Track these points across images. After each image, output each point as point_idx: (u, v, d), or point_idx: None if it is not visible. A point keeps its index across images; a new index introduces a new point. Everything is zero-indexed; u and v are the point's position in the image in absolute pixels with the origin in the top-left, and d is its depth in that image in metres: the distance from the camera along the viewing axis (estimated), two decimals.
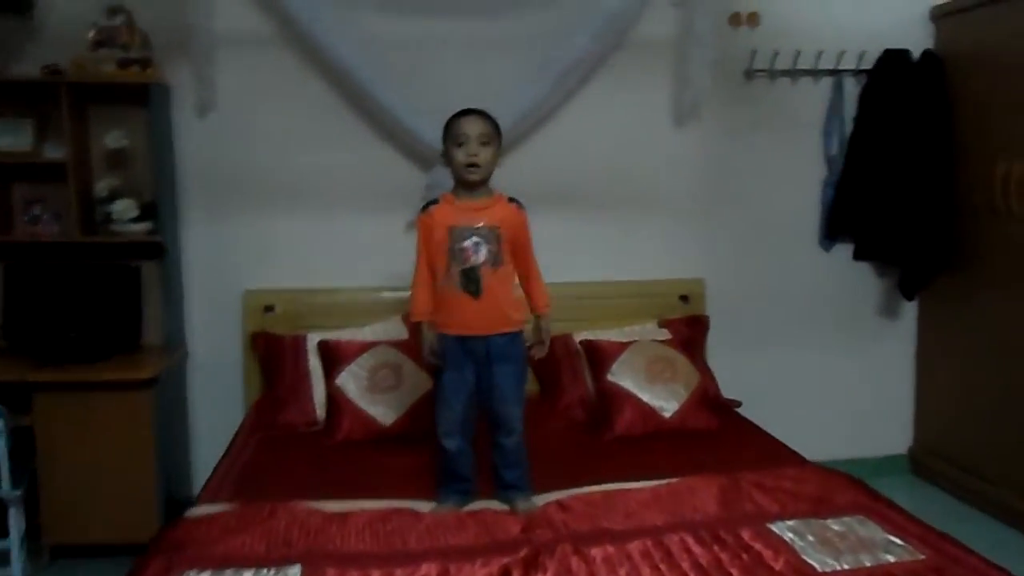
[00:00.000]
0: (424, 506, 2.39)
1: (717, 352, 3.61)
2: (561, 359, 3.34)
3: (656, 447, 2.91)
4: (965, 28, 3.59)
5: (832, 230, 3.76)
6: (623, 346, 3.25)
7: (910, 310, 3.93)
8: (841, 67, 3.67)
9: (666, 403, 3.08)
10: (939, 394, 3.84)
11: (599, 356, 3.24)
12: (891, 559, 2.01)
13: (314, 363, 3.22)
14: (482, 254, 2.35)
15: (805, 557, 2.00)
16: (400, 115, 3.29)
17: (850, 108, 3.73)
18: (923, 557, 2.02)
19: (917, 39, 3.70)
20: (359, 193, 3.47)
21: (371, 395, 3.03)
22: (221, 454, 2.90)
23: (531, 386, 2.94)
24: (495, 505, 2.41)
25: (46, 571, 3.04)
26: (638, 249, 3.68)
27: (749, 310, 3.78)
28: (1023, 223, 3.27)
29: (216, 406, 3.47)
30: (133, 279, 3.28)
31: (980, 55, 3.50)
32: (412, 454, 2.79)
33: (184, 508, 2.48)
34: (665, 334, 3.44)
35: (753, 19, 3.59)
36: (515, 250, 2.44)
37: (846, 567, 1.97)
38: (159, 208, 3.20)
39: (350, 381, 3.07)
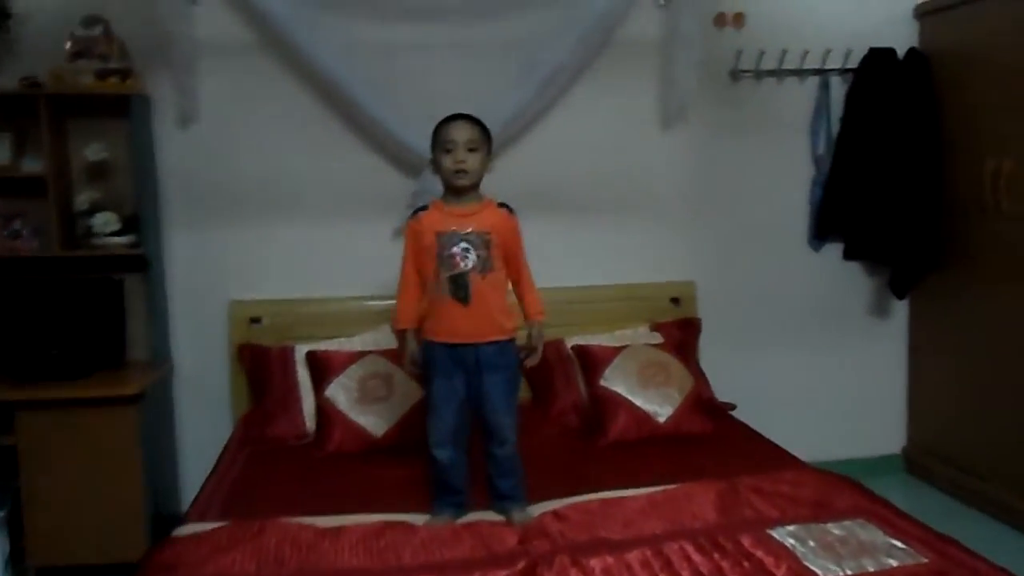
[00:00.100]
0: (418, 519, 2.35)
1: (709, 354, 3.59)
2: (553, 365, 3.31)
3: (651, 453, 2.88)
4: (949, 25, 3.59)
5: (821, 230, 3.75)
6: (615, 351, 3.22)
7: (901, 309, 3.93)
8: (827, 66, 3.66)
9: (660, 408, 3.06)
10: (932, 392, 3.84)
11: (591, 361, 3.21)
12: (894, 563, 1.98)
13: (303, 375, 3.17)
14: (470, 260, 2.33)
15: (807, 563, 1.97)
16: (385, 122, 3.26)
17: (837, 107, 3.72)
18: (926, 561, 2.00)
19: (902, 37, 3.70)
20: (345, 201, 3.43)
21: (361, 406, 2.99)
22: (209, 469, 2.85)
23: (523, 392, 2.91)
24: (490, 516, 2.37)
25: None
26: (628, 252, 3.66)
27: (740, 312, 3.77)
28: (1013, 220, 3.27)
29: (203, 421, 3.41)
30: (116, 293, 3.22)
31: (965, 52, 3.51)
32: (405, 465, 2.75)
33: (173, 525, 2.43)
34: (657, 338, 3.41)
35: (738, 19, 3.58)
36: (507, 256, 2.42)
37: (849, 573, 1.94)
38: (141, 220, 3.14)
39: (340, 392, 3.02)
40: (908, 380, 3.97)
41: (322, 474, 2.75)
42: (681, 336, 3.47)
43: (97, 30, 3.03)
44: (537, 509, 2.38)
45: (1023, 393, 3.26)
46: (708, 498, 2.36)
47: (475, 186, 2.39)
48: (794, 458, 2.83)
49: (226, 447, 3.04)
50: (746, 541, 2.09)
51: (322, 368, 3.10)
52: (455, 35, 3.33)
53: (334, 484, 2.65)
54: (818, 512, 2.28)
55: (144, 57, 3.17)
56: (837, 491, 2.43)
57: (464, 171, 2.32)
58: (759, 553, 2.03)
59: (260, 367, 3.23)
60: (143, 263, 3.18)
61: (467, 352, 2.37)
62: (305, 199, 3.41)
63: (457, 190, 2.36)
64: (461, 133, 2.33)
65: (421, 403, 2.91)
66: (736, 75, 3.62)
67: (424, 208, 2.42)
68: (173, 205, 3.34)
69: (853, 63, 3.67)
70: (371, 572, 2.01)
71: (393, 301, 2.51)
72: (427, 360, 2.43)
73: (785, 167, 3.74)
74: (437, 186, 2.52)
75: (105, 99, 3.08)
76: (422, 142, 3.07)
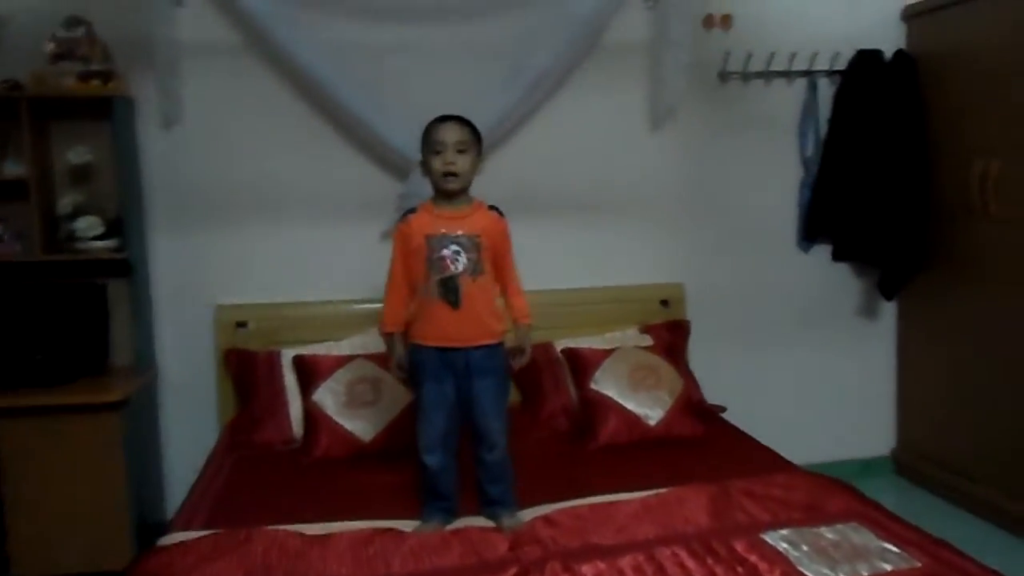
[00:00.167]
0: (407, 525, 2.32)
1: (698, 357, 3.58)
2: (543, 368, 3.29)
3: (642, 456, 2.87)
4: (937, 27, 3.59)
5: (810, 232, 3.75)
6: (605, 353, 3.20)
7: (889, 310, 3.93)
8: (815, 68, 3.66)
9: (651, 411, 3.04)
10: (921, 394, 3.84)
11: (581, 364, 3.19)
12: (888, 567, 1.98)
13: (289, 379, 3.14)
14: (461, 263, 2.30)
15: (801, 568, 1.96)
16: (372, 124, 3.23)
17: (825, 109, 3.72)
18: (920, 565, 1.99)
19: (889, 39, 3.71)
20: (332, 204, 3.39)
21: (349, 411, 2.96)
22: (195, 476, 2.82)
23: (513, 396, 2.89)
24: (480, 522, 2.35)
25: None
26: (616, 254, 3.64)
27: (729, 314, 3.76)
28: (1000, 222, 3.27)
29: (189, 427, 3.37)
30: (99, 298, 3.18)
31: (953, 54, 3.51)
32: (393, 471, 2.72)
33: (158, 533, 2.41)
34: (647, 340, 3.40)
35: (726, 21, 3.57)
36: (495, 259, 2.39)
37: None
38: (125, 224, 3.09)
39: (327, 397, 2.99)
40: (897, 382, 3.97)
41: (309, 480, 2.72)
42: (671, 338, 3.46)
43: (79, 31, 2.98)
44: (527, 514, 2.36)
45: (1012, 394, 3.27)
46: (700, 502, 2.35)
47: (465, 188, 2.36)
48: (785, 461, 2.82)
49: (212, 453, 3.01)
50: (739, 546, 2.07)
51: (309, 372, 3.07)
52: (442, 37, 3.30)
53: (322, 490, 2.62)
54: (811, 515, 2.27)
55: (127, 59, 3.12)
56: (829, 494, 2.42)
57: (454, 173, 2.30)
58: (753, 558, 2.02)
59: (246, 372, 3.19)
60: (127, 267, 3.14)
61: (457, 356, 2.34)
62: (291, 202, 3.37)
63: (447, 192, 2.34)
64: (451, 134, 2.30)
65: (409, 408, 2.88)
66: (724, 77, 3.62)
67: (413, 211, 2.40)
68: (157, 208, 3.30)
69: (841, 65, 3.67)
70: None
71: (381, 304, 2.48)
72: (415, 364, 2.40)
73: (773, 169, 3.74)
74: (425, 189, 2.50)
75: (88, 101, 3.04)
76: (409, 144, 3.07)
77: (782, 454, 2.88)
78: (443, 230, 2.32)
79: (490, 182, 2.47)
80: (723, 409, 3.34)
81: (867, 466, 3.90)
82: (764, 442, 3.01)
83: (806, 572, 1.95)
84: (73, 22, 2.99)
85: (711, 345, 3.65)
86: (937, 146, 3.58)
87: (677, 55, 3.38)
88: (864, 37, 3.66)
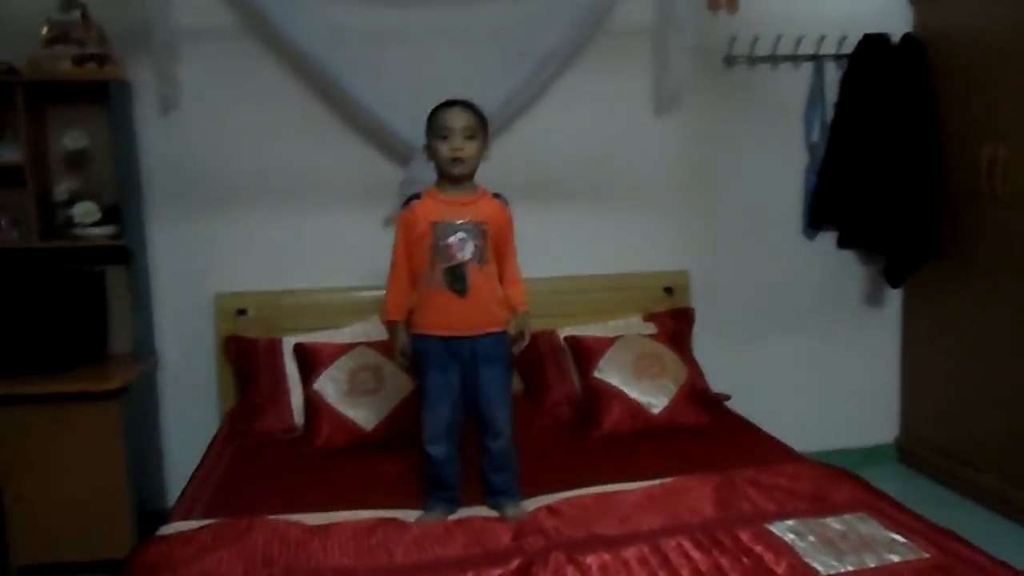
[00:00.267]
0: (410, 515, 2.29)
1: (702, 345, 3.54)
2: (546, 356, 3.27)
3: (646, 445, 2.85)
4: (945, 11, 3.54)
5: (815, 218, 3.71)
6: (609, 341, 3.17)
7: (895, 298, 3.90)
8: (821, 52, 3.61)
9: (655, 399, 3.02)
10: (926, 382, 3.81)
11: (585, 352, 3.16)
12: (895, 559, 1.95)
13: (290, 367, 3.11)
14: (468, 251, 2.27)
15: (807, 559, 1.94)
16: (373, 109, 3.19)
17: (831, 94, 3.68)
18: (927, 555, 1.97)
19: (897, 23, 3.65)
20: (333, 190, 3.35)
21: (351, 399, 2.93)
22: (196, 464, 2.79)
23: (515, 384, 2.87)
24: (483, 512, 2.33)
25: None
26: (620, 241, 3.61)
27: (733, 301, 3.73)
28: (1009, 208, 3.23)
29: (189, 415, 3.35)
30: (97, 285, 3.15)
31: (961, 38, 3.46)
32: (395, 460, 2.70)
33: (159, 520, 2.39)
34: (651, 328, 3.37)
35: (732, 4, 3.49)
36: (497, 247, 2.36)
37: (850, 568, 1.91)
38: (123, 211, 3.06)
39: (328, 385, 2.96)
40: (902, 369, 3.94)
41: (311, 469, 2.69)
42: (675, 326, 3.43)
43: (74, 15, 2.93)
44: (531, 504, 2.34)
45: (1017, 382, 3.24)
46: (705, 492, 2.32)
47: (471, 174, 2.33)
48: (790, 450, 2.80)
49: (212, 442, 2.98)
50: (745, 536, 2.05)
51: (310, 360, 3.04)
52: (444, 20, 3.26)
53: (323, 479, 2.60)
54: (817, 506, 2.25)
55: (123, 42, 3.08)
56: (835, 484, 2.40)
57: (461, 159, 2.26)
58: (758, 549, 1.99)
59: (247, 360, 3.17)
60: (125, 254, 3.10)
61: (463, 345, 2.31)
62: (292, 188, 3.33)
63: (453, 178, 2.30)
64: (458, 120, 2.26)
65: (412, 396, 2.86)
66: (730, 61, 3.57)
67: (417, 196, 2.36)
68: (155, 194, 3.26)
69: (848, 49, 3.62)
70: (362, 571, 1.96)
71: (382, 292, 2.45)
72: (419, 353, 2.37)
73: (779, 154, 3.70)
74: (426, 174, 2.46)
75: (83, 86, 3.00)
76: (411, 130, 3.04)
77: (785, 442, 2.86)
78: (449, 217, 2.28)
79: (492, 168, 2.43)
80: (727, 397, 3.31)
81: (870, 454, 3.88)
82: (768, 430, 2.99)
83: (813, 563, 1.92)
84: (68, 5, 2.95)
85: (715, 333, 3.62)
86: (944, 131, 3.53)
87: (682, 38, 3.32)
88: (871, 20, 3.61)
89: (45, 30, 2.92)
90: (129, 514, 2.93)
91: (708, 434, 2.97)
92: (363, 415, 2.91)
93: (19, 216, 3.02)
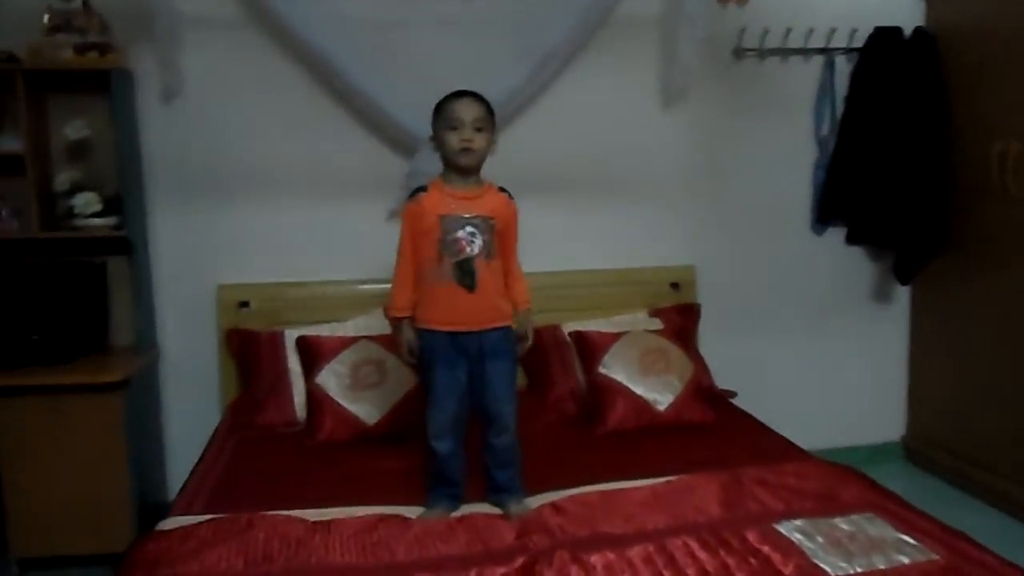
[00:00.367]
0: (412, 512, 2.27)
1: (708, 341, 3.52)
2: (550, 351, 3.23)
3: (651, 442, 2.82)
4: (957, 5, 3.50)
5: (824, 214, 3.68)
6: (614, 337, 3.14)
7: (903, 294, 3.87)
8: (832, 45, 3.57)
9: (660, 396, 2.99)
10: (934, 380, 3.78)
11: (590, 348, 3.13)
12: (905, 560, 1.92)
13: (293, 361, 3.09)
14: (476, 245, 2.24)
15: (816, 560, 1.91)
16: (377, 100, 3.16)
17: (841, 88, 3.63)
18: (937, 557, 1.93)
19: (908, 16, 3.61)
20: (337, 182, 3.32)
21: (353, 393, 2.91)
22: (197, 457, 2.77)
23: (519, 380, 2.83)
24: (486, 509, 2.30)
25: None
26: (626, 236, 3.57)
27: (740, 297, 3.70)
28: (1020, 203, 3.19)
29: (191, 408, 3.33)
30: (99, 276, 3.12)
31: (973, 32, 3.42)
32: (397, 455, 2.67)
33: (160, 513, 2.36)
34: (656, 323, 3.34)
35: None
36: (501, 241, 2.32)
37: (859, 570, 1.88)
38: (124, 201, 3.03)
39: (331, 379, 2.94)
40: (909, 367, 3.91)
41: (312, 464, 2.67)
42: (681, 322, 3.39)
43: (76, 3, 2.90)
44: (535, 501, 2.31)
45: None
46: (711, 490, 2.29)
47: (478, 167, 2.29)
48: (796, 448, 2.77)
49: (214, 435, 2.96)
50: (752, 536, 2.02)
51: (313, 354, 3.02)
52: (450, 11, 3.22)
53: (325, 474, 2.57)
54: (824, 505, 2.21)
55: (126, 31, 3.05)
56: (842, 483, 2.36)
57: (471, 149, 2.22)
58: (766, 549, 1.96)
59: (249, 353, 3.14)
60: (127, 245, 3.08)
61: (470, 340, 2.28)
62: (295, 179, 3.30)
63: (461, 170, 2.27)
64: (468, 111, 2.23)
65: (415, 390, 2.84)
66: (739, 53, 3.53)
67: (423, 189, 2.31)
68: (157, 185, 3.23)
69: (859, 42, 3.58)
70: (363, 569, 1.93)
71: (387, 285, 2.41)
72: (424, 349, 2.33)
73: (788, 149, 3.66)
74: (432, 166, 2.43)
75: (85, 74, 2.97)
76: (416, 121, 3.00)
77: (791, 439, 2.84)
78: (457, 211, 2.24)
79: (498, 160, 2.39)
80: (733, 394, 3.28)
81: (876, 452, 3.85)
82: (773, 427, 2.96)
83: (821, 564, 1.89)
84: None
85: (722, 329, 3.59)
86: (956, 126, 3.49)
87: (691, 30, 3.28)
88: (883, 14, 3.57)
89: (46, 18, 2.90)
90: (130, 507, 2.91)
91: (714, 431, 2.94)
92: (365, 409, 2.88)
93: (20, 206, 2.99)
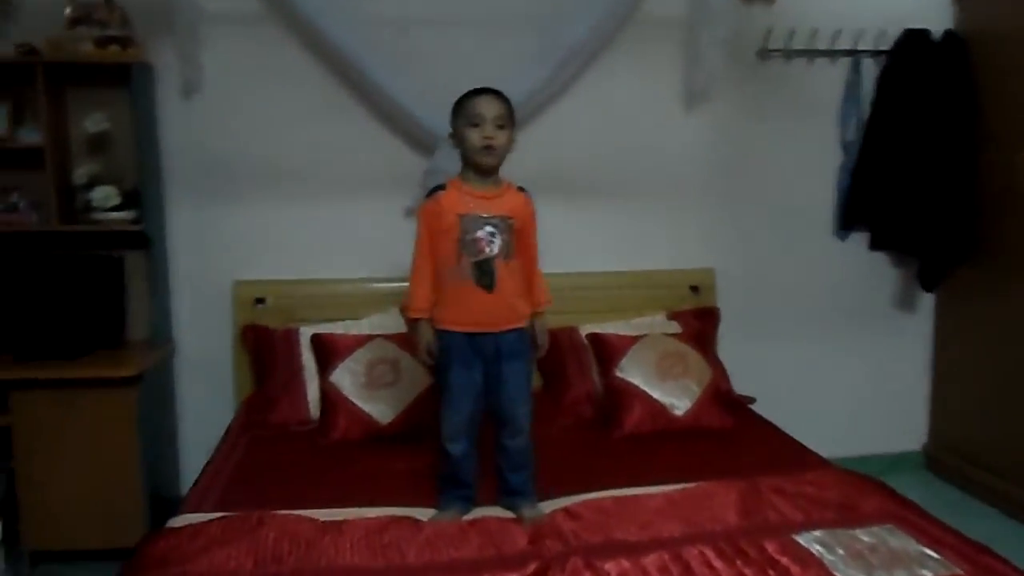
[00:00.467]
0: (424, 513, 2.24)
1: (727, 345, 3.46)
2: (567, 353, 3.20)
3: (668, 447, 2.77)
4: (989, 7, 3.43)
5: (848, 218, 3.62)
6: (632, 340, 3.10)
7: (927, 302, 3.80)
8: (859, 48, 3.51)
9: (678, 400, 2.94)
10: (957, 389, 3.70)
11: (607, 351, 3.09)
12: (928, 575, 1.87)
13: (307, 358, 3.07)
14: (496, 245, 2.20)
15: (836, 573, 1.87)
16: (397, 97, 3.13)
17: (868, 91, 3.57)
18: (961, 572, 1.89)
19: (938, 19, 3.55)
20: (355, 179, 3.30)
21: (368, 392, 2.88)
22: (211, 454, 2.75)
23: (535, 381, 2.80)
24: (498, 512, 2.27)
25: None
26: (645, 237, 3.53)
27: (760, 301, 3.64)
28: None
29: (205, 403, 3.32)
30: (116, 270, 3.12)
31: (1005, 35, 3.34)
32: (411, 455, 2.65)
33: (172, 508, 2.35)
34: (675, 327, 3.29)
35: None
36: (519, 241, 2.28)
37: None
38: (143, 195, 3.03)
39: (345, 377, 2.92)
40: (932, 376, 3.84)
41: (325, 463, 2.64)
42: (700, 326, 3.35)
43: None
44: (548, 506, 2.28)
45: None
46: (729, 498, 2.25)
47: (499, 166, 2.26)
48: (816, 456, 2.72)
49: (227, 431, 2.95)
50: (770, 547, 1.97)
51: (327, 351, 3.00)
52: (471, 9, 3.20)
53: (337, 474, 2.55)
54: (844, 516, 2.17)
55: (146, 24, 3.04)
56: (863, 493, 2.32)
57: (493, 147, 2.19)
58: (784, 560, 1.92)
59: (264, 349, 3.13)
60: (144, 240, 3.07)
61: (487, 341, 2.25)
62: (313, 175, 3.28)
63: (481, 169, 2.23)
64: (490, 108, 2.20)
65: (429, 390, 2.82)
66: (764, 54, 3.47)
67: (442, 187, 2.28)
68: (175, 180, 3.23)
69: (887, 45, 3.51)
70: (373, 571, 1.91)
71: (403, 283, 2.38)
72: (441, 349, 2.30)
73: (812, 152, 3.60)
74: (451, 164, 2.40)
75: (105, 68, 2.97)
76: (435, 119, 2.98)
77: (809, 446, 2.79)
78: (476, 210, 2.21)
79: (517, 159, 2.36)
80: (752, 400, 3.24)
81: (896, 461, 3.79)
82: (792, 434, 2.91)
83: None
84: None
85: (741, 333, 3.53)
86: (985, 131, 3.42)
87: (716, 30, 3.23)
88: (912, 16, 3.50)
89: (68, 11, 2.90)
90: (142, 501, 2.90)
91: (732, 437, 2.90)
92: (379, 409, 2.86)
93: (38, 199, 3.00)
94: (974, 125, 3.43)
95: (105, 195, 2.99)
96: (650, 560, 1.92)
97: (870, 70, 3.56)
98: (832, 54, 3.51)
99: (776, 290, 3.66)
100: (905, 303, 3.78)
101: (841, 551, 1.96)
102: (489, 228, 2.20)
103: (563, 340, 3.18)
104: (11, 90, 2.97)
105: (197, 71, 3.09)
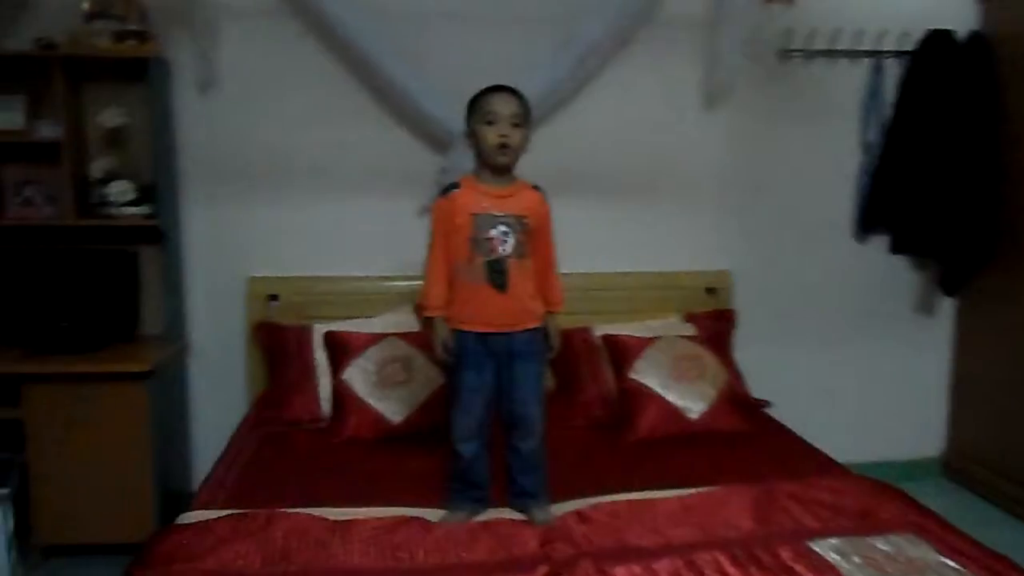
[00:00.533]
0: (434, 514, 2.22)
1: (743, 348, 3.42)
2: (580, 354, 3.17)
3: (682, 451, 2.74)
4: (1015, 7, 3.37)
5: (868, 221, 3.57)
6: (647, 342, 3.07)
7: (947, 306, 3.74)
8: (881, 48, 3.45)
9: (693, 403, 2.91)
10: (977, 395, 3.65)
11: (621, 352, 3.06)
12: None
13: (320, 355, 3.06)
14: (509, 245, 2.18)
15: None
16: (412, 94, 3.12)
17: (890, 92, 3.51)
18: None
19: (963, 19, 3.49)
20: (369, 176, 3.29)
21: (380, 390, 2.87)
22: (222, 450, 2.75)
23: (547, 382, 2.77)
24: (509, 514, 2.25)
25: (38, 572, 2.89)
26: (662, 238, 3.50)
27: (778, 304, 3.60)
28: None
29: (217, 400, 3.31)
30: (130, 265, 3.12)
31: None
32: (422, 455, 2.63)
33: (183, 503, 2.35)
34: (690, 329, 3.26)
35: None
36: (534, 240, 2.26)
37: None
38: (158, 190, 3.03)
39: (358, 375, 2.90)
40: (952, 381, 3.78)
41: (336, 461, 2.63)
42: (716, 328, 3.31)
43: None
44: (560, 508, 2.25)
45: None
46: (743, 504, 2.22)
47: (514, 164, 2.24)
48: (832, 461, 2.68)
49: (239, 428, 2.95)
50: (785, 554, 1.95)
51: (340, 349, 2.99)
52: (488, 6, 3.19)
53: (347, 472, 2.53)
54: (862, 524, 2.14)
55: (164, 19, 3.03)
56: (880, 500, 2.28)
57: (508, 146, 2.17)
58: (799, 568, 1.89)
59: (276, 346, 3.12)
60: (159, 235, 3.07)
61: (499, 341, 2.22)
62: (328, 172, 3.27)
63: (496, 167, 2.21)
64: (506, 106, 2.17)
65: (441, 390, 2.80)
66: (785, 55, 3.43)
67: (456, 186, 2.26)
68: (191, 175, 3.22)
69: (909, 45, 3.46)
70: (382, 572, 1.90)
71: (416, 282, 2.37)
72: (454, 349, 2.28)
73: (833, 154, 3.55)
74: (466, 162, 2.38)
75: (122, 62, 2.96)
76: (451, 116, 2.96)
77: (825, 451, 2.76)
78: (490, 208, 2.19)
79: (532, 157, 2.34)
80: (768, 404, 3.20)
81: (914, 467, 3.74)
82: (808, 438, 2.88)
83: None
84: None
85: (758, 336, 3.49)
86: (1010, 134, 3.36)
87: (736, 30, 3.20)
88: (936, 16, 3.45)
89: (86, 5, 2.90)
90: (153, 497, 2.90)
91: (747, 442, 2.86)
92: (391, 407, 2.84)
93: (55, 193, 3.00)
94: (997, 126, 3.38)
95: (121, 190, 3.00)
96: (662, 566, 1.90)
97: (892, 71, 3.51)
98: (854, 55, 3.46)
99: (794, 293, 3.61)
100: (925, 307, 3.73)
101: (858, 559, 1.93)
102: (502, 227, 2.18)
103: (577, 341, 3.16)
104: (29, 84, 2.97)
105: (213, 66, 3.09)
